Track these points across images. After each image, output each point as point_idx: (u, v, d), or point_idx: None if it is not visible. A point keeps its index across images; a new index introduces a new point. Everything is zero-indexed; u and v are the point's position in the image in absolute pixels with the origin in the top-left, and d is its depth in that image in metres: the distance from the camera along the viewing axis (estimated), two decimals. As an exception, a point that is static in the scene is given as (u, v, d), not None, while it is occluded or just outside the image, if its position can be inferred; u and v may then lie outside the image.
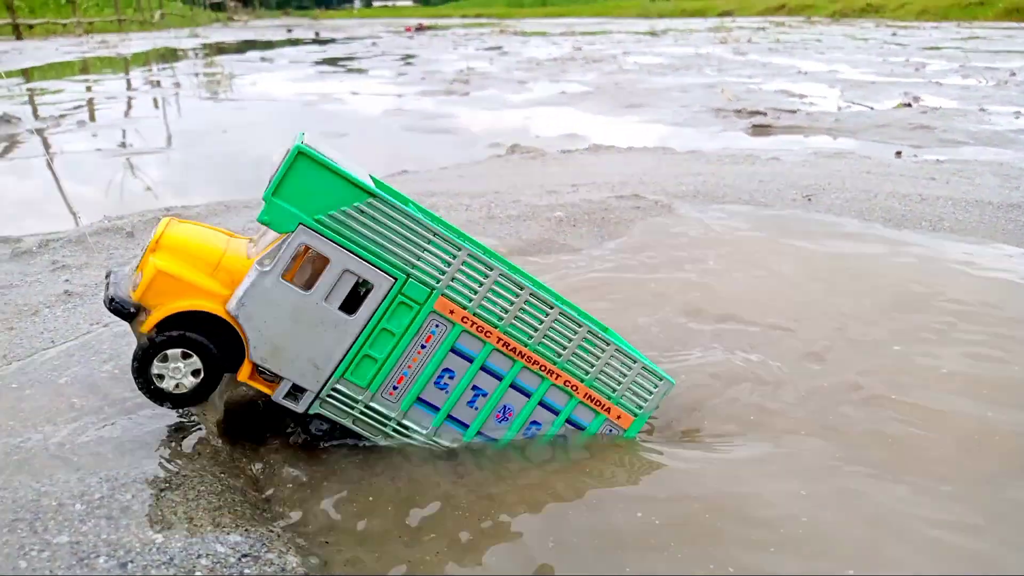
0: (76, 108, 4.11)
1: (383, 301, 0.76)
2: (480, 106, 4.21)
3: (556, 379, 0.82)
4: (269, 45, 11.98)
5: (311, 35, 15.96)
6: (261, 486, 0.80)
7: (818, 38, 10.30)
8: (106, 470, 0.76)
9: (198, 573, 0.64)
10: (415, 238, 0.75)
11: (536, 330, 0.80)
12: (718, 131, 3.26)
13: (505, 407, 0.83)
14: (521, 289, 0.79)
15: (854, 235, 1.60)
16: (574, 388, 0.83)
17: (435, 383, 0.80)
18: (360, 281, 0.76)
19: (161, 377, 0.76)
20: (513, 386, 0.82)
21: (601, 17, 25.89)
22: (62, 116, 3.78)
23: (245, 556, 0.67)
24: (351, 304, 0.76)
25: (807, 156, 2.50)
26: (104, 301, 0.76)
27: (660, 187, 2.02)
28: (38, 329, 1.14)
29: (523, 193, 1.99)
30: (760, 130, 3.24)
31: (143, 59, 8.51)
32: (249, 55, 9.12)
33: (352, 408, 0.80)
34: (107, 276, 0.81)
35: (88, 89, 5.11)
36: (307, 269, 0.77)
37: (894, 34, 11.40)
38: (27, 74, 6.29)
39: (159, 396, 0.77)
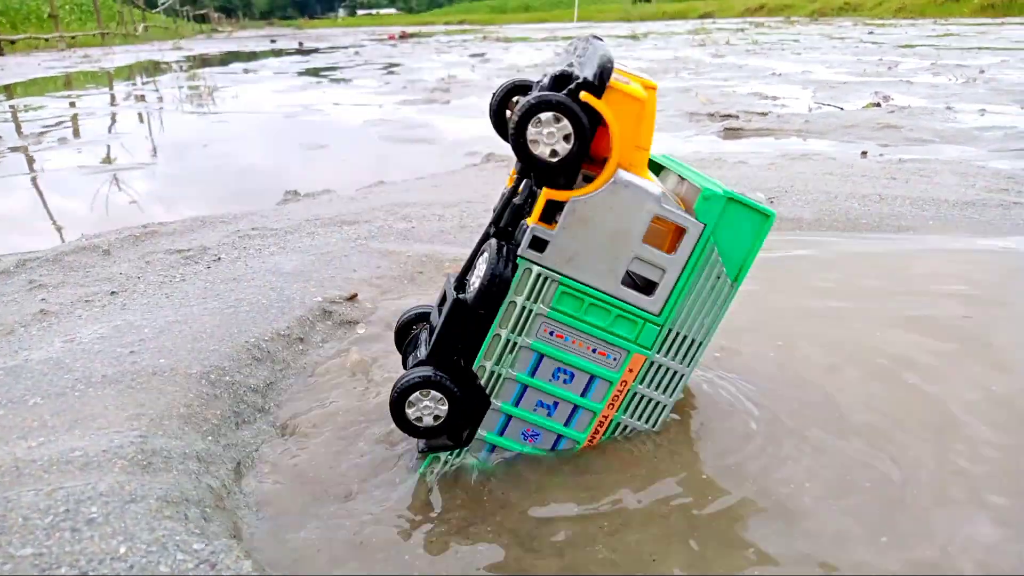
0: (58, 124, 4.13)
1: (635, 306, 0.81)
2: (460, 114, 4.25)
3: (604, 412, 0.87)
4: (253, 56, 12.01)
5: (295, 45, 15.99)
6: (223, 499, 0.84)
7: (795, 38, 10.41)
8: (72, 484, 0.80)
9: (160, 578, 0.68)
10: (697, 326, 0.83)
11: (648, 389, 0.87)
12: (691, 135, 3.32)
13: (534, 431, 0.87)
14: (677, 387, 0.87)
15: (807, 240, 1.65)
16: (600, 422, 0.88)
17: (557, 368, 0.84)
18: (653, 283, 0.82)
19: (536, 143, 0.76)
20: (575, 406, 0.86)
21: (584, 21, 25.99)
22: (43, 133, 3.80)
23: (203, 563, 0.71)
24: (631, 278, 0.83)
25: (774, 158, 2.56)
26: (604, 57, 0.73)
27: (628, 193, 2.06)
28: (12, 348, 1.17)
29: (495, 202, 2.04)
30: (732, 133, 3.29)
31: (126, 73, 8.52)
32: (232, 67, 9.15)
33: (528, 298, 0.80)
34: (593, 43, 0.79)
35: (71, 105, 5.12)
36: (654, 232, 0.81)
37: (871, 32, 11.52)
38: (9, 91, 6.30)
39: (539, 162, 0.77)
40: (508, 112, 0.89)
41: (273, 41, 18.76)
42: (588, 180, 0.78)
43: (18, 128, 4.04)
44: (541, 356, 0.83)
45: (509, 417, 0.86)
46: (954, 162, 2.40)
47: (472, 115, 4.20)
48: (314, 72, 7.83)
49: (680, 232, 0.79)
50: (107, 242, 1.71)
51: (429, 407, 0.82)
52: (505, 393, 0.84)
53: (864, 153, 2.70)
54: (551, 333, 0.82)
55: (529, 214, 0.80)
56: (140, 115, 4.63)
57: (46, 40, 14.31)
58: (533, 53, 9.67)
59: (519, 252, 0.79)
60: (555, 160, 0.75)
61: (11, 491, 0.79)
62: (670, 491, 0.82)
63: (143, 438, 0.91)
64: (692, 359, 0.85)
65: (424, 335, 0.92)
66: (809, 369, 1.05)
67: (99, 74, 8.34)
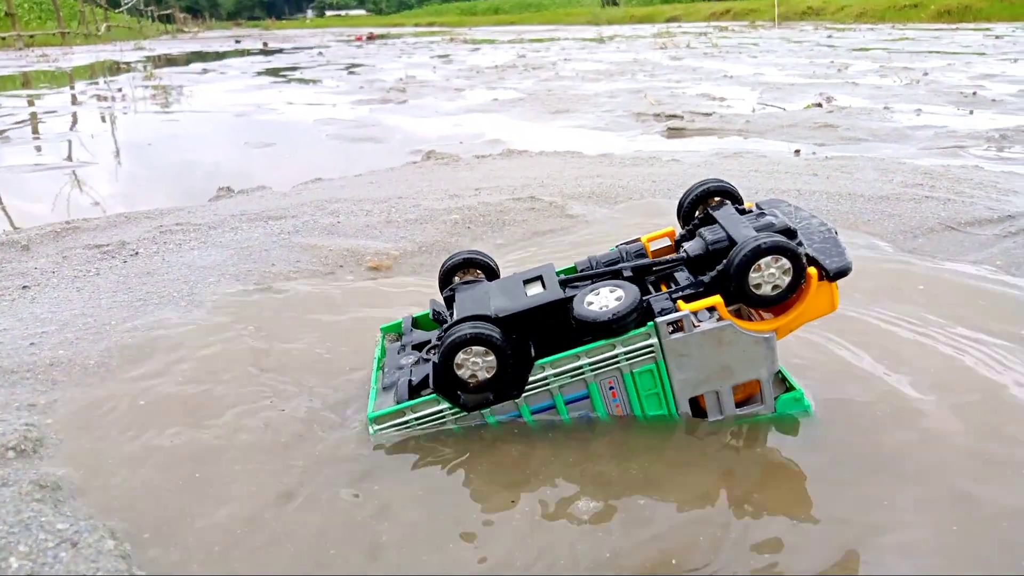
0: (10, 124, 4.07)
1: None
2: (412, 114, 4.26)
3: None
4: (217, 56, 11.89)
5: (259, 46, 15.86)
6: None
7: (755, 42, 10.57)
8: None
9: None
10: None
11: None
12: (635, 135, 3.37)
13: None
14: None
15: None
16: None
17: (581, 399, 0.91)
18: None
19: (759, 286, 0.88)
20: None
21: (552, 24, 26.12)
22: (-15, 132, 3.74)
23: (64, 541, 0.72)
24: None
25: (708, 157, 2.61)
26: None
27: (559, 189, 2.10)
28: (-90, 341, 1.17)
29: (426, 198, 2.06)
30: (674, 133, 3.35)
31: (84, 73, 8.39)
32: (192, 67, 9.06)
33: (624, 360, 0.88)
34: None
35: (29, 103, 5.04)
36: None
37: (830, 36, 11.74)
38: (-44, 90, 6.18)
39: None
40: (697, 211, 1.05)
41: (238, 41, 18.58)
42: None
43: (-39, 127, 3.98)
44: (586, 396, 0.90)
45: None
46: (878, 159, 2.47)
47: (426, 115, 4.22)
48: (274, 72, 7.78)
49: (758, 384, 0.90)
50: (27, 237, 1.70)
51: (478, 363, 0.87)
52: (534, 399, 0.90)
53: (797, 151, 2.77)
54: (611, 388, 0.90)
55: (662, 278, 0.96)
56: (90, 115, 4.58)
57: (3, 39, 14.03)
58: (496, 55, 9.71)
59: (658, 319, 0.86)
60: (774, 294, 0.86)
61: None
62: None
63: (28, 426, 0.92)
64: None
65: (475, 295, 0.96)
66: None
67: (56, 73, 8.21)
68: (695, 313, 0.86)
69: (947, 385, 1.00)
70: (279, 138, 3.54)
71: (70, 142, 3.48)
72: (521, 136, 3.37)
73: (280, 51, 12.89)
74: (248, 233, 1.72)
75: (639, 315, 0.86)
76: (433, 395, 0.90)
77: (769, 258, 0.84)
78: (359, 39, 17.79)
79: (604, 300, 0.88)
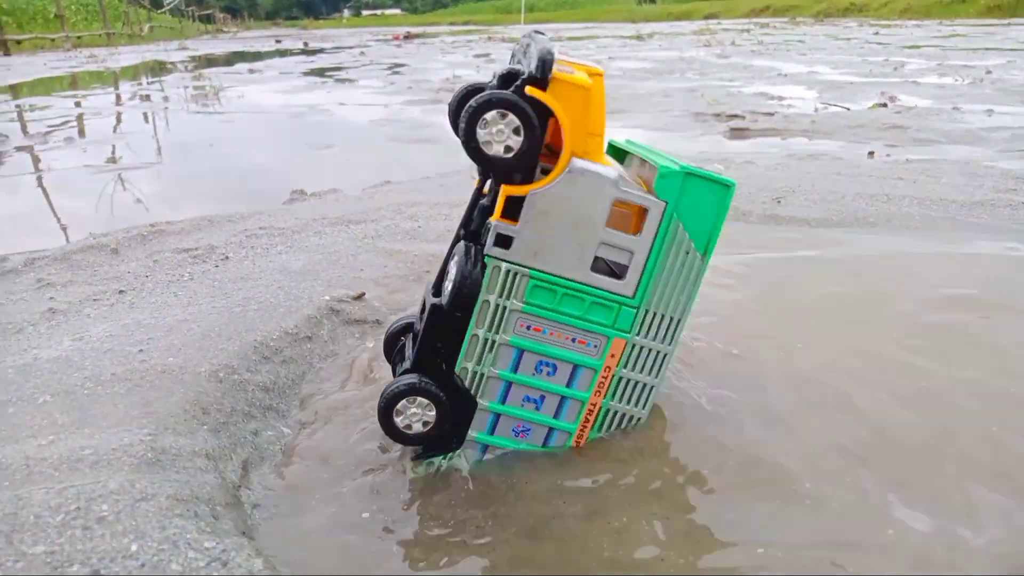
0: (64, 124, 4.14)
1: (608, 291, 0.81)
2: (465, 114, 4.24)
3: (592, 399, 0.86)
4: (258, 56, 12.03)
5: (300, 45, 16.01)
6: (237, 495, 0.84)
7: (800, 39, 10.39)
8: (83, 483, 0.80)
9: (170, 576, 0.68)
10: (673, 305, 0.82)
11: (632, 372, 0.86)
12: (697, 135, 3.31)
13: (525, 426, 0.87)
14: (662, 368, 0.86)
15: (820, 238, 1.64)
16: (589, 411, 0.87)
17: (540, 361, 0.84)
18: (622, 266, 0.81)
19: (489, 144, 0.76)
20: (562, 397, 0.86)
21: (588, 22, 25.98)
22: (50, 132, 3.81)
23: (215, 561, 0.71)
24: (598, 264, 0.81)
25: (780, 159, 2.55)
26: (544, 49, 0.74)
27: (635, 193, 2.06)
28: (21, 346, 1.17)
29: (501, 202, 2.04)
30: (738, 133, 3.29)
31: (132, 73, 8.54)
32: (237, 67, 9.16)
33: (500, 296, 0.81)
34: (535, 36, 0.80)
35: (77, 104, 5.14)
36: (616, 215, 0.80)
37: (876, 33, 11.49)
38: (15, 90, 6.32)
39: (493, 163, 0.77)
40: None
41: (278, 41, 18.78)
42: (547, 173, 0.79)
43: (24, 127, 4.05)
44: (521, 351, 0.83)
45: (498, 415, 0.86)
46: (962, 162, 2.39)
47: (477, 115, 4.20)
48: (319, 72, 7.84)
49: (643, 212, 0.79)
50: (115, 241, 1.71)
51: (417, 414, 0.82)
52: (491, 392, 0.85)
53: (871, 153, 2.69)
54: (528, 327, 0.82)
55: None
56: (145, 115, 4.64)
57: (52, 40, 14.36)
58: (538, 53, 9.66)
59: (485, 251, 0.79)
60: (510, 156, 0.75)
61: (22, 489, 0.79)
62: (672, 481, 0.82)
63: (152, 436, 0.91)
64: (672, 338, 0.85)
65: (409, 343, 0.92)
66: (818, 374, 1.04)
67: (105, 74, 8.37)
68: (502, 216, 0.78)
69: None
70: (338, 139, 3.55)
71: (128, 144, 3.52)
72: (580, 137, 3.33)
73: (321, 51, 12.99)
74: (332, 237, 1.71)
75: (477, 263, 0.79)
76: None
77: (484, 118, 0.74)
78: (397, 38, 17.88)
79: (451, 275, 0.81)
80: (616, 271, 0.83)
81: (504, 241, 0.79)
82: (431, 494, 0.84)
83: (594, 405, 0.87)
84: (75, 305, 1.35)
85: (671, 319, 0.84)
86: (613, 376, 0.86)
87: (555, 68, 0.74)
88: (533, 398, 0.85)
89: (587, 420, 0.88)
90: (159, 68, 9.35)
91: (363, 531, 0.79)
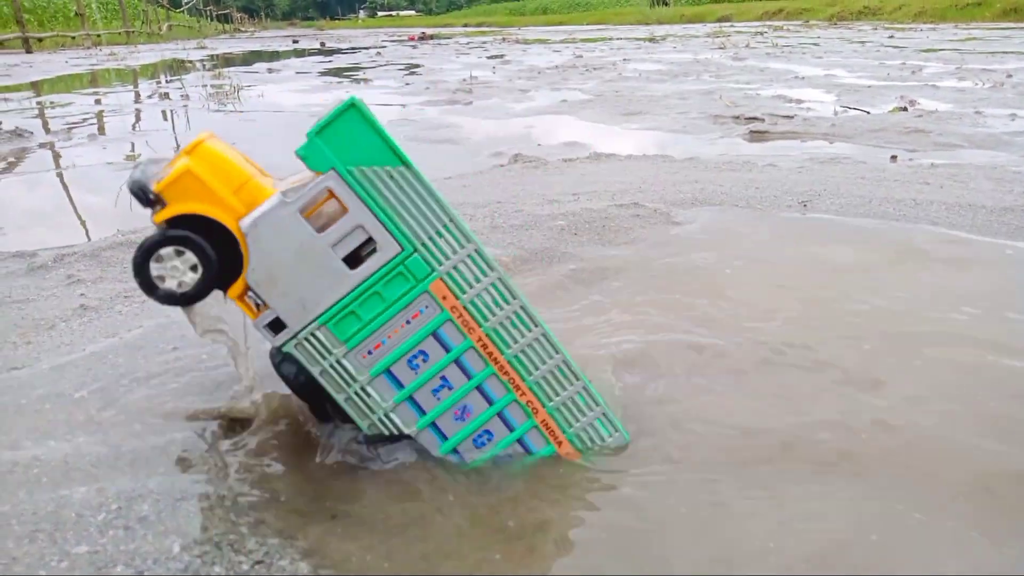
0: (85, 121, 4.17)
1: (384, 266, 0.78)
2: (483, 115, 4.25)
3: (521, 396, 0.84)
4: (275, 56, 12.09)
5: (316, 45, 16.08)
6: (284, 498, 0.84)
7: (815, 42, 10.34)
8: (124, 482, 0.80)
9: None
10: (432, 218, 0.78)
11: (516, 342, 0.82)
12: (716, 138, 3.30)
13: (465, 406, 0.84)
14: (514, 298, 0.82)
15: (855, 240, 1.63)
16: (535, 411, 0.84)
17: (408, 360, 0.82)
18: (368, 240, 0.78)
19: (162, 279, 0.78)
20: (479, 388, 0.83)
21: (601, 24, 25.94)
22: (71, 129, 3.84)
23: (259, 563, 0.71)
24: (353, 259, 0.79)
25: (803, 162, 2.54)
26: (128, 183, 0.77)
27: (659, 195, 2.05)
28: (55, 343, 1.18)
29: (525, 203, 2.03)
30: (757, 136, 3.27)
31: (151, 71, 8.60)
32: (256, 66, 9.21)
33: (324, 359, 0.81)
34: (135, 164, 0.82)
35: (97, 102, 5.17)
36: (322, 216, 0.79)
37: (891, 36, 11.43)
38: (37, 87, 6.37)
39: (164, 298, 0.79)
40: None
41: (295, 41, 18.87)
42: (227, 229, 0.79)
43: (45, 124, 4.09)
44: (387, 370, 0.82)
45: (434, 423, 0.84)
46: (988, 167, 2.37)
47: (496, 116, 4.20)
48: (337, 72, 7.87)
49: (330, 192, 0.77)
50: (143, 237, 1.72)
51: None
52: (407, 417, 0.84)
53: (894, 157, 2.67)
54: (369, 352, 0.81)
55: None
56: (165, 112, 4.67)
57: (73, 38, 14.48)
58: (551, 55, 9.67)
59: (275, 347, 0.81)
60: (184, 290, 0.78)
61: (63, 488, 0.79)
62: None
63: (189, 435, 0.91)
64: (484, 259, 0.80)
65: None
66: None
67: (125, 71, 8.43)
68: (253, 313, 0.80)
69: None
70: (356, 139, 3.56)
71: (148, 141, 3.54)
72: (599, 139, 3.33)
73: (338, 51, 13.04)
74: (358, 237, 1.71)
75: (284, 362, 0.82)
76: None
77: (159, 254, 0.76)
78: (412, 39, 17.92)
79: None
80: (369, 248, 0.80)
81: (276, 326, 0.79)
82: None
83: (517, 389, 0.84)
84: (107, 302, 1.36)
85: (452, 231, 0.79)
86: (494, 341, 0.82)
87: (156, 181, 0.75)
88: (437, 388, 0.83)
89: (537, 411, 0.85)
90: (178, 66, 9.41)
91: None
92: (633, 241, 1.69)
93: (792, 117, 3.64)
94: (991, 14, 17.35)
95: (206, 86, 6.35)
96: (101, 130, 3.91)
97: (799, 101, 4.28)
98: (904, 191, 2.02)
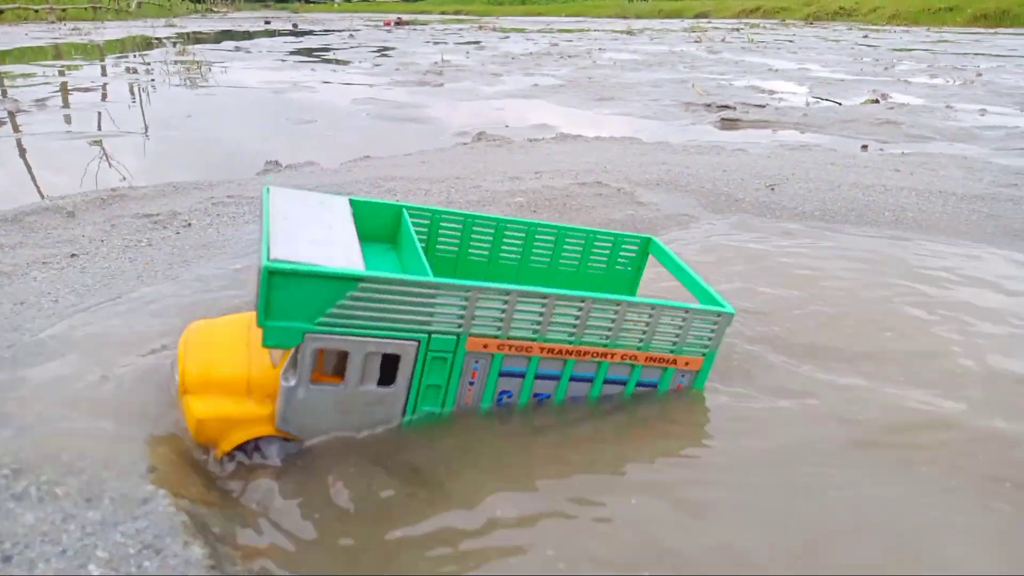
0: (45, 94, 4.00)
1: (414, 365, 0.75)
2: (452, 97, 4.16)
3: (612, 358, 0.82)
4: (247, 36, 11.82)
5: (289, 27, 15.79)
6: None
7: (790, 39, 10.37)
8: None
9: (92, 566, 0.60)
10: (420, 298, 0.72)
11: (575, 327, 0.79)
12: (687, 124, 3.25)
13: (571, 398, 0.84)
14: (545, 299, 0.77)
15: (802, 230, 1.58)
16: (633, 358, 0.83)
17: (497, 403, 0.81)
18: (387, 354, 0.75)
19: None
20: (573, 379, 0.82)
21: (579, 16, 25.90)
22: (27, 100, 3.67)
23: (146, 547, 0.63)
24: (388, 375, 0.76)
25: (773, 148, 2.49)
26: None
27: (624, 175, 1.99)
28: (-44, 308, 1.08)
29: (485, 179, 1.96)
30: (729, 124, 3.22)
31: (117, 47, 8.35)
32: (224, 44, 8.98)
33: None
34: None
35: (60, 73, 4.98)
36: (332, 356, 0.74)
37: (865, 36, 11.53)
38: (-9, 59, 6.13)
39: None
40: None
41: (268, 22, 18.55)
42: None
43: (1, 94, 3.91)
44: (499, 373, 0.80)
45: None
46: (960, 157, 2.34)
47: (465, 98, 4.11)
48: (306, 52, 7.69)
49: (321, 352, 0.73)
50: (72, 204, 1.61)
51: None
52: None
53: (865, 147, 2.64)
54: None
55: None
56: (125, 86, 4.51)
57: (36, 11, 14.04)
58: (527, 43, 9.57)
59: None
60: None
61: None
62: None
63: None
64: (486, 294, 0.75)
65: None
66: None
67: (88, 46, 8.17)
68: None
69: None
70: (319, 116, 3.45)
71: (104, 113, 3.40)
72: (569, 122, 3.26)
73: (310, 32, 12.80)
74: (305, 208, 1.62)
75: None
76: None
77: None
78: (388, 24, 17.70)
79: None
80: (391, 365, 0.75)
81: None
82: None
83: (612, 355, 0.82)
84: (21, 267, 1.26)
85: (444, 294, 0.73)
86: (558, 342, 0.79)
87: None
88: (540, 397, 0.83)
89: (636, 357, 0.83)
90: (144, 43, 9.14)
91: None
92: (593, 221, 1.63)
93: (764, 107, 3.60)
94: (962, 19, 17.57)
95: (170, 62, 6.16)
96: (65, 103, 3.75)
97: (772, 92, 4.25)
98: (875, 177, 1.97)
